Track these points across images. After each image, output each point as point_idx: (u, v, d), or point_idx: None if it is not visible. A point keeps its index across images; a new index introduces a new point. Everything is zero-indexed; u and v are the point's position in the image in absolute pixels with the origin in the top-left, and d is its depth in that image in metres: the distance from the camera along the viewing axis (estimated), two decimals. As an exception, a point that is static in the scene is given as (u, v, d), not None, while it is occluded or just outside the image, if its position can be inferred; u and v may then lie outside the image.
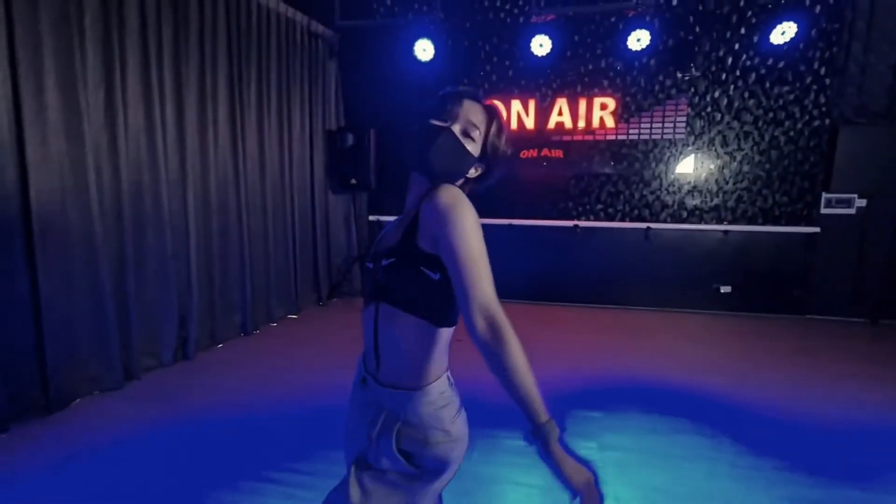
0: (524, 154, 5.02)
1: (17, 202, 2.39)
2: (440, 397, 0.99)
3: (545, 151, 4.97)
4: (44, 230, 2.46)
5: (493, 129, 1.03)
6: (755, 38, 4.30)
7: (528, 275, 5.16)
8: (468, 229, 0.88)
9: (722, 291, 4.85)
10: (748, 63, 4.46)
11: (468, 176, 1.05)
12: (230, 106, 3.71)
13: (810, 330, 4.40)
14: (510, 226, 5.11)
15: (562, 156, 4.96)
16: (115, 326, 2.85)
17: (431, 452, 0.97)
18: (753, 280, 4.77)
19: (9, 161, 2.34)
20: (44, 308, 2.47)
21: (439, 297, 0.95)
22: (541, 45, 4.16)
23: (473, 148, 1.01)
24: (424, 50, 4.43)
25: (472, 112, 1.00)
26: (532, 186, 5.08)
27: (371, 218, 5.49)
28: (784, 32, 3.87)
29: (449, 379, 1.04)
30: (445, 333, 0.99)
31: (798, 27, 3.78)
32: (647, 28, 3.93)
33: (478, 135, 1.01)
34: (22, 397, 2.47)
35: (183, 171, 3.33)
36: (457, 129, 0.99)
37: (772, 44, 3.92)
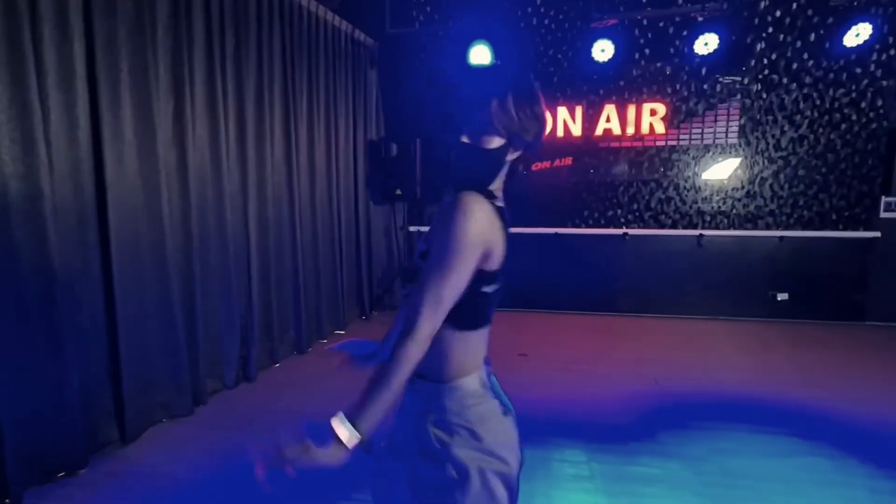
0: (568, 162, 4.92)
1: (95, 225, 2.26)
2: (469, 395, 0.95)
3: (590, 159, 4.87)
4: (121, 252, 2.33)
5: (508, 104, 0.89)
6: (813, 40, 4.22)
7: (576, 284, 5.03)
8: (452, 237, 0.86)
9: (779, 299, 4.73)
10: (803, 66, 4.37)
11: (508, 159, 0.94)
12: (285, 117, 3.60)
13: (873, 336, 4.28)
14: (556, 235, 5.00)
15: (611, 160, 4.86)
16: (185, 349, 2.71)
17: (454, 453, 0.92)
18: (811, 286, 4.65)
19: (88, 180, 2.22)
20: (121, 335, 2.34)
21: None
22: (602, 50, 4.05)
23: (492, 141, 0.90)
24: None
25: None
26: (576, 194, 4.97)
27: (412, 228, 5.37)
28: (858, 34, 3.78)
29: (484, 382, 0.98)
30: (465, 335, 0.96)
31: (872, 28, 3.68)
32: (715, 31, 3.81)
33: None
34: (98, 429, 2.32)
35: (244, 185, 3.21)
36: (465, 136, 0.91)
37: (845, 46, 3.83)
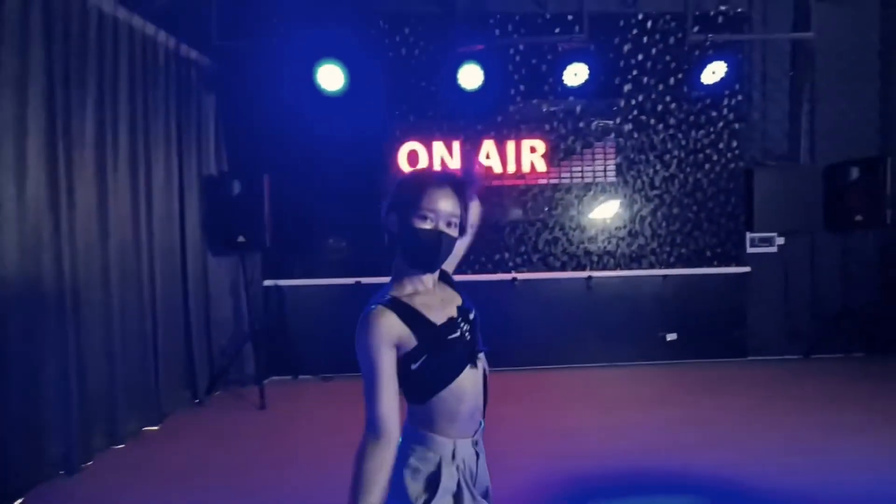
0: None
1: None
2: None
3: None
4: None
5: (466, 211, 1.09)
6: (674, 82, 4.30)
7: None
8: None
9: (668, 339, 4.56)
10: (668, 107, 4.45)
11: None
12: (48, 143, 2.58)
13: (754, 373, 4.22)
14: (440, 283, 4.39)
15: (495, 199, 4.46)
16: None
17: None
18: (696, 324, 4.56)
19: None
20: None
21: None
22: (467, 77, 3.66)
23: (454, 232, 1.08)
24: (330, 78, 3.68)
25: (448, 204, 1.05)
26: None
27: (267, 283, 4.40)
28: (714, 72, 3.85)
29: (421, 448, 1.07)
30: (421, 408, 1.08)
31: (728, 67, 3.78)
32: (584, 62, 3.63)
33: (456, 221, 1.08)
34: None
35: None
36: (442, 226, 1.05)
37: (703, 84, 3.89)
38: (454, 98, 4.15)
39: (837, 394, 3.62)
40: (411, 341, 1.02)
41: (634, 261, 4.55)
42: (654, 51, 4.32)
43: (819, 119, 4.57)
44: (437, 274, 1.15)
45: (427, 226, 1.03)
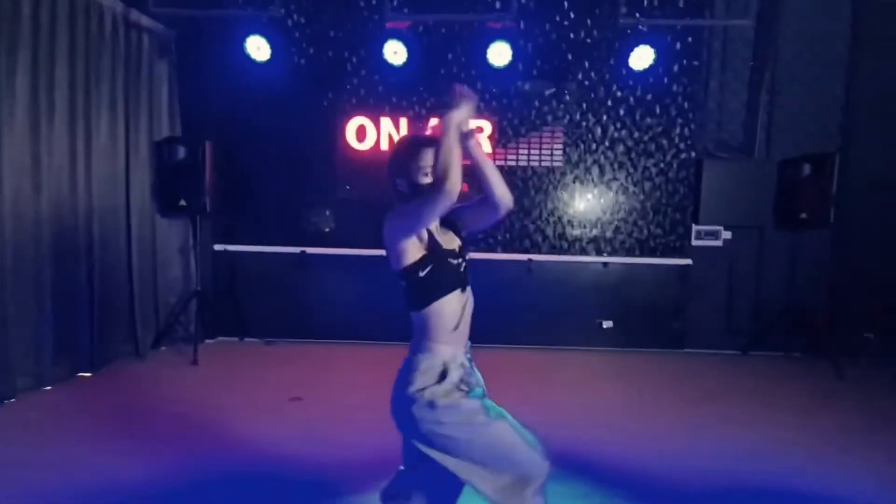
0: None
1: None
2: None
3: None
4: None
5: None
6: (619, 66, 4.21)
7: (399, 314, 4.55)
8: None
9: (604, 326, 4.61)
10: (618, 93, 4.39)
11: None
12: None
13: (689, 366, 4.24)
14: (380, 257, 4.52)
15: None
16: None
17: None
18: (634, 313, 4.58)
19: None
20: None
21: None
22: (395, 52, 3.70)
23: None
24: (259, 49, 3.78)
25: (430, 158, 1.26)
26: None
27: (217, 247, 4.59)
28: (642, 58, 3.79)
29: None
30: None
31: (658, 56, 3.71)
32: (509, 41, 3.63)
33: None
34: None
35: None
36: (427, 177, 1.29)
37: (632, 69, 3.82)
38: (399, 75, 4.19)
39: (740, 388, 3.66)
40: (423, 249, 1.27)
41: (576, 246, 4.58)
42: (595, 33, 4.22)
43: (778, 111, 4.46)
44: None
45: (429, 180, 1.26)
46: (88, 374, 3.55)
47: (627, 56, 3.93)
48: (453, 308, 1.31)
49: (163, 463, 2.31)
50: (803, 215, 4.15)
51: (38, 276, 3.16)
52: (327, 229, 4.48)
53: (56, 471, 2.22)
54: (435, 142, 1.21)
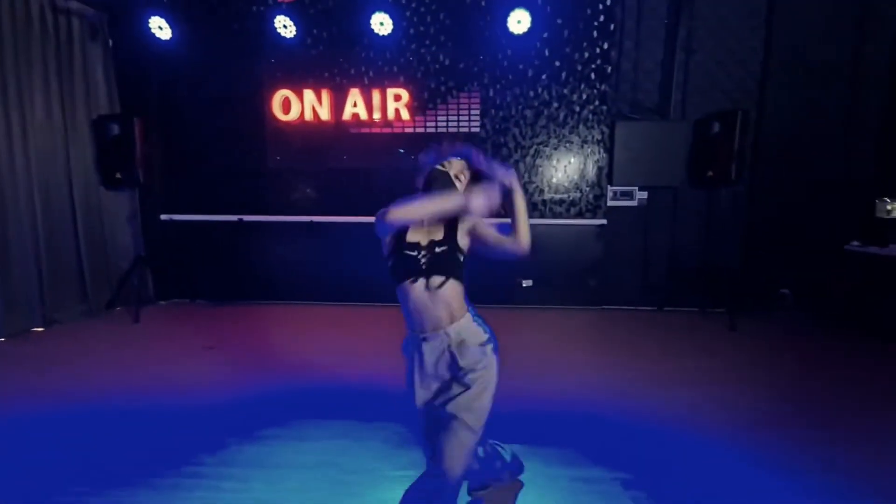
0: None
1: None
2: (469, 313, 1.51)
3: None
4: None
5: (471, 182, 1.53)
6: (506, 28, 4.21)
7: (334, 274, 4.89)
8: None
9: (524, 285, 4.83)
10: (530, 56, 4.46)
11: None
12: None
13: (603, 321, 4.46)
14: (310, 223, 4.83)
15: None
16: None
17: (482, 350, 1.45)
18: (552, 273, 4.79)
19: None
20: None
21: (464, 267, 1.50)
22: (285, 26, 3.89)
23: (460, 186, 1.52)
24: (161, 28, 4.02)
25: (462, 168, 1.54)
26: (335, 182, 4.83)
27: (164, 217, 4.98)
28: (520, 21, 3.86)
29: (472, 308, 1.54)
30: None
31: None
32: (387, 11, 3.77)
33: (463, 181, 1.53)
34: None
35: None
36: (452, 173, 1.53)
37: (510, 32, 3.89)
38: (319, 49, 4.37)
39: (641, 339, 3.86)
40: (393, 242, 1.45)
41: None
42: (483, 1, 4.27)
43: (695, 70, 4.45)
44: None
45: (442, 168, 1.52)
46: (41, 329, 4.04)
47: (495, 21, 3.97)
48: (415, 297, 1.42)
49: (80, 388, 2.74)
50: (710, 173, 4.21)
51: (20, 242, 3.60)
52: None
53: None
54: (467, 157, 1.52)
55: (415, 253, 1.43)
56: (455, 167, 1.52)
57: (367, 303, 4.87)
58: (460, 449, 1.34)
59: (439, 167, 1.52)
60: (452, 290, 1.42)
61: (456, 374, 1.43)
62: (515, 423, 2.31)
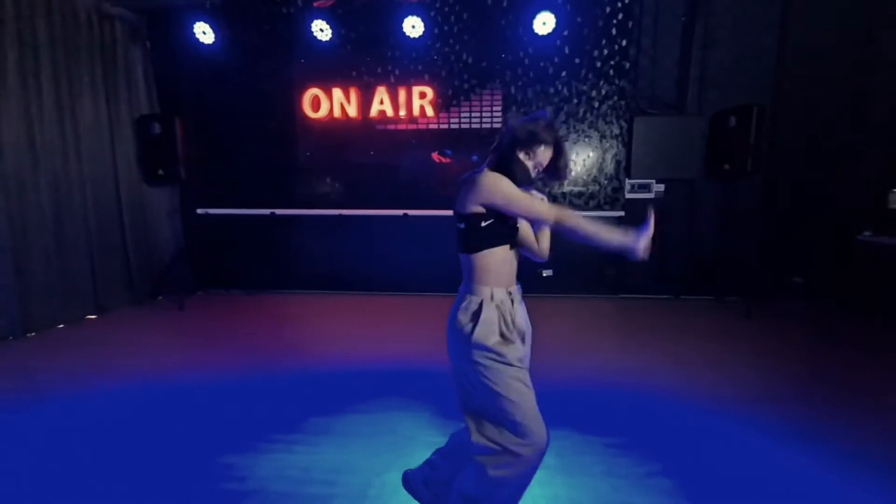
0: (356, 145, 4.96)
1: None
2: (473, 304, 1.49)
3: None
4: None
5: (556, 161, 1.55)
6: (524, 30, 4.39)
7: (361, 265, 5.13)
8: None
9: (545, 275, 5.04)
10: (550, 54, 4.62)
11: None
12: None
13: (623, 308, 4.67)
14: (339, 216, 5.07)
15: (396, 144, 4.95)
16: None
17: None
18: (573, 262, 4.98)
19: None
20: None
21: (465, 237, 1.49)
22: (321, 30, 4.09)
23: (533, 172, 1.53)
24: (205, 33, 4.23)
25: (545, 155, 1.51)
26: (362, 177, 5.05)
27: (199, 211, 5.23)
28: (545, 23, 4.02)
29: (478, 295, 1.47)
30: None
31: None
32: (418, 14, 3.98)
33: (540, 167, 1.53)
34: None
35: None
36: (531, 164, 1.51)
37: (533, 32, 4.06)
38: (348, 49, 4.57)
39: (657, 325, 4.08)
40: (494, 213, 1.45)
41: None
42: (504, 2, 4.45)
43: (711, 66, 4.59)
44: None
45: (530, 164, 1.50)
46: (94, 317, 4.32)
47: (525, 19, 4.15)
48: (503, 255, 1.48)
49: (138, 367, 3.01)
50: (726, 166, 4.38)
51: (43, 235, 3.87)
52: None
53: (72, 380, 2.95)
54: (557, 145, 1.50)
55: (511, 222, 1.51)
56: (541, 156, 1.49)
57: (392, 292, 5.10)
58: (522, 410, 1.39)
59: (521, 155, 1.47)
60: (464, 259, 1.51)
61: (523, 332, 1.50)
62: (548, 400, 2.54)
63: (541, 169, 1.53)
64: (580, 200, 4.90)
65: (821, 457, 2.09)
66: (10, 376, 2.99)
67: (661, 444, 2.19)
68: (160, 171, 4.55)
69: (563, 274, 5.01)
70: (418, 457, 2.08)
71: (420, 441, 2.21)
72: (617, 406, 2.58)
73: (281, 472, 1.99)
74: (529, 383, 1.45)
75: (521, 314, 1.52)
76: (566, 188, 4.89)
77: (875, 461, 2.06)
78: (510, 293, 1.49)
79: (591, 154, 4.83)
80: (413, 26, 4.03)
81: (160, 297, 5.02)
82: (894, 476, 1.96)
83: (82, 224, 4.21)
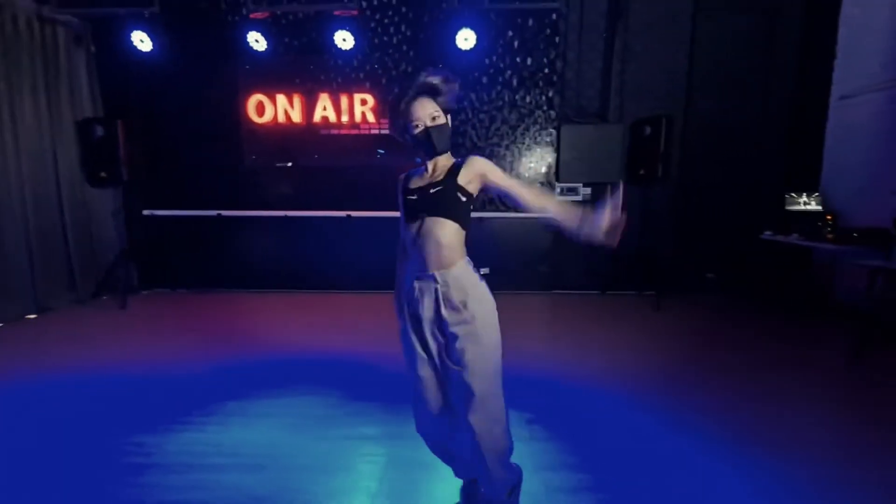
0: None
1: None
2: (469, 266, 1.52)
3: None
4: None
5: (442, 98, 1.51)
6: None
7: (305, 264, 5.32)
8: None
9: (482, 272, 5.32)
10: (484, 65, 4.94)
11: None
12: None
13: (553, 303, 5.00)
14: (284, 217, 5.25)
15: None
16: None
17: (475, 298, 1.47)
18: (507, 261, 5.30)
19: None
20: None
21: (466, 210, 1.50)
22: (256, 41, 4.31)
23: (442, 120, 1.50)
24: (142, 41, 4.38)
25: (426, 107, 1.48)
26: (307, 179, 5.25)
27: (146, 212, 5.33)
28: (467, 39, 4.34)
29: (469, 262, 1.54)
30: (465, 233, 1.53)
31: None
32: (350, 30, 4.27)
33: (439, 113, 1.49)
34: None
35: None
36: (428, 123, 1.48)
37: (458, 48, 4.37)
38: (291, 58, 4.77)
39: (581, 318, 4.41)
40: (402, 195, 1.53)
41: (457, 204, 5.24)
42: (411, 15, 4.77)
43: (630, 78, 4.98)
44: (437, 159, 1.53)
45: (418, 129, 1.47)
46: (34, 316, 4.39)
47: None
48: (407, 236, 1.51)
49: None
50: (641, 171, 4.76)
51: (12, 235, 3.94)
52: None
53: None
54: (419, 92, 1.47)
55: (414, 196, 1.49)
56: (422, 114, 1.47)
57: (335, 290, 5.31)
58: (477, 402, 1.41)
59: (415, 130, 1.47)
60: (442, 229, 1.44)
61: (434, 322, 1.47)
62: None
63: (438, 115, 1.50)
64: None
65: (685, 432, 2.42)
66: (-60, 372, 3.09)
67: (556, 414, 2.49)
68: (102, 174, 4.64)
69: (499, 271, 5.32)
70: (317, 433, 2.32)
71: (321, 420, 2.44)
72: (526, 386, 2.87)
73: (188, 448, 2.19)
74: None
75: (426, 305, 1.52)
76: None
77: (741, 445, 2.40)
78: (418, 283, 1.53)
79: (523, 159, 5.15)
80: (344, 39, 4.27)
81: (104, 297, 5.09)
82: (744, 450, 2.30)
83: (20, 225, 4.27)
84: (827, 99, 4.55)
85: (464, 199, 1.47)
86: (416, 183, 1.54)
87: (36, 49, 4.36)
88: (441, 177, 1.49)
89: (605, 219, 1.40)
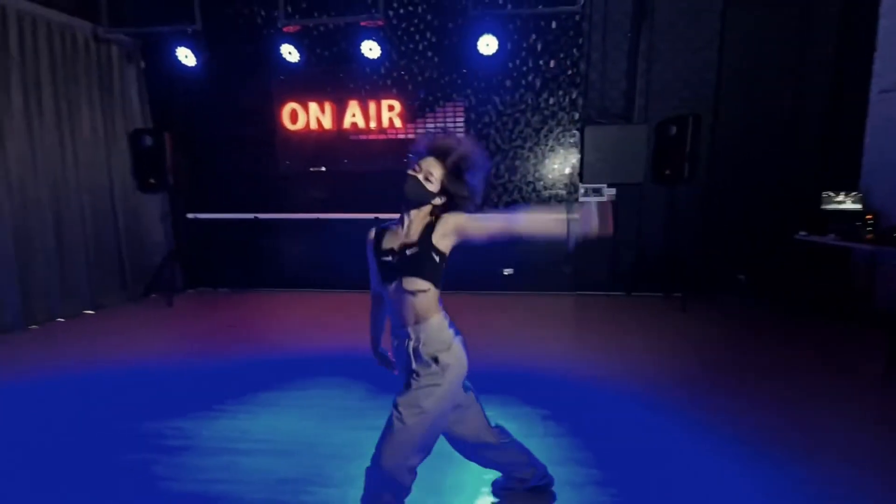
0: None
1: None
2: (444, 322, 1.55)
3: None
4: None
5: (449, 176, 1.51)
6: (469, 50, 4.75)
7: (337, 265, 5.54)
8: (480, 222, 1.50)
9: (506, 273, 5.40)
10: (507, 69, 5.00)
11: (434, 203, 1.54)
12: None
13: (567, 304, 5.01)
14: (317, 220, 5.48)
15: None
16: None
17: (445, 353, 1.49)
18: (531, 262, 5.34)
19: None
20: None
21: (440, 270, 1.51)
22: (290, 53, 4.53)
23: (432, 187, 1.50)
24: (186, 56, 4.69)
25: (431, 165, 1.50)
26: (337, 183, 5.47)
27: (190, 216, 5.69)
28: (488, 45, 4.40)
29: (446, 317, 1.57)
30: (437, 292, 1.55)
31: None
32: (376, 39, 4.44)
33: (434, 180, 1.50)
34: None
35: None
36: (420, 176, 1.49)
37: (481, 54, 4.45)
38: (322, 68, 5.01)
39: (606, 319, 4.41)
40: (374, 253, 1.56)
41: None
42: (436, 23, 4.89)
43: (656, 78, 4.92)
44: (412, 214, 1.51)
45: (411, 173, 1.49)
46: (91, 312, 4.79)
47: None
48: (388, 297, 1.55)
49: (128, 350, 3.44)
50: (667, 171, 4.70)
51: (44, 239, 4.34)
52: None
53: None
54: (432, 153, 1.50)
55: (389, 258, 1.51)
56: (425, 168, 1.48)
57: (364, 290, 5.48)
58: (389, 439, 1.40)
59: (410, 172, 1.49)
60: (418, 288, 1.47)
61: (409, 374, 1.50)
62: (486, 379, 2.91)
63: (433, 181, 1.49)
64: (537, 203, 5.25)
65: (701, 434, 2.43)
66: (13, 364, 3.45)
67: (572, 412, 2.55)
68: (151, 180, 5.01)
69: (523, 272, 5.38)
70: (344, 423, 2.47)
71: (347, 412, 2.59)
72: (545, 384, 2.94)
73: (222, 433, 2.39)
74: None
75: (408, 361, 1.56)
76: (525, 192, 5.24)
77: (751, 447, 2.39)
78: (399, 342, 1.58)
79: (546, 161, 5.18)
80: (370, 48, 4.45)
81: (152, 295, 5.47)
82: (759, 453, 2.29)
83: (80, 229, 4.67)
84: (866, 93, 4.36)
85: (437, 258, 1.48)
86: (389, 242, 1.54)
87: (92, 66, 4.76)
88: (416, 237, 1.49)
89: (594, 216, 1.44)
